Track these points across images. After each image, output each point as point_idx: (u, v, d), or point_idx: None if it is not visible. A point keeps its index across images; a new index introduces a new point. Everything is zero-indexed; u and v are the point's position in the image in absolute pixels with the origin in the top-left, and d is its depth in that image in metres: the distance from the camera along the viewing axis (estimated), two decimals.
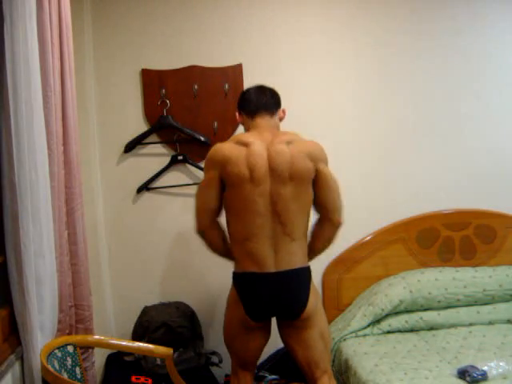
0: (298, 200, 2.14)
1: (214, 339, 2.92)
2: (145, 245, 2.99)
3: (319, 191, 2.18)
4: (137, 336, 2.81)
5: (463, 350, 2.58)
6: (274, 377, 2.82)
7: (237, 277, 2.24)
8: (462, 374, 2.26)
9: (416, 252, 3.09)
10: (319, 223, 2.25)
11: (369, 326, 2.85)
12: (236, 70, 2.95)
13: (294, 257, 2.16)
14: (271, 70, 2.97)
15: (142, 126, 2.93)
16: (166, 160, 2.94)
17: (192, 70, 2.92)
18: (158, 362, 2.60)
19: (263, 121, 2.27)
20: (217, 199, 2.20)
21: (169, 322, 2.73)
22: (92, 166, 2.85)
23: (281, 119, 2.34)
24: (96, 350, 2.39)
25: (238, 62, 2.95)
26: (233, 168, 2.12)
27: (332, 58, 3.03)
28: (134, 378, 2.54)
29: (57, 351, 2.00)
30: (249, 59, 2.95)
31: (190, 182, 2.95)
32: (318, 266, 2.93)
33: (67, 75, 2.13)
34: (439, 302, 2.86)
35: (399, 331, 2.84)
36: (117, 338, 2.72)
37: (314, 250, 2.29)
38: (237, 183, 2.13)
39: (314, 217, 2.26)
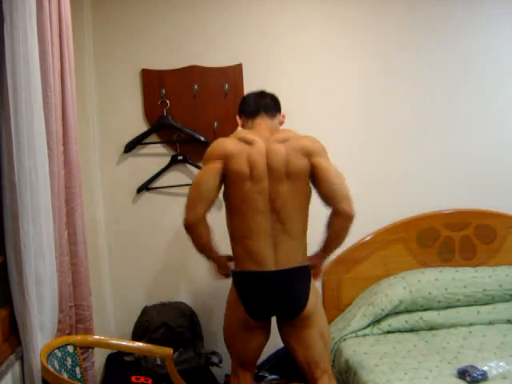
0: (296, 197, 2.15)
1: (214, 339, 2.92)
2: (145, 245, 2.99)
3: (319, 183, 2.16)
4: (137, 336, 2.81)
5: (463, 350, 2.58)
6: (273, 377, 2.82)
7: (237, 276, 2.24)
8: (462, 373, 2.26)
9: (416, 252, 3.09)
10: (329, 216, 2.17)
11: (369, 326, 2.85)
12: (236, 70, 2.95)
13: (293, 255, 2.17)
14: (271, 70, 2.97)
15: (141, 126, 2.93)
16: (166, 160, 2.94)
17: (192, 69, 2.92)
18: (158, 361, 2.60)
19: (263, 121, 2.28)
20: (216, 190, 2.18)
21: (169, 322, 2.73)
22: (92, 166, 2.85)
23: (281, 124, 2.36)
24: (96, 349, 2.39)
25: (237, 62, 2.95)
26: (235, 164, 2.14)
27: (332, 58, 3.03)
28: (134, 378, 2.54)
29: (57, 351, 2.00)
30: (249, 59, 2.95)
31: (190, 182, 2.94)
32: None
33: (67, 75, 2.13)
34: (439, 302, 2.86)
35: (399, 331, 2.84)
36: (117, 338, 2.72)
37: (327, 244, 2.22)
38: (237, 180, 2.14)
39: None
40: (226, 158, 2.15)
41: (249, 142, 2.17)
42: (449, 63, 3.09)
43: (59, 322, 2.06)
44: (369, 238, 3.07)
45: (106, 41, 2.88)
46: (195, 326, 2.88)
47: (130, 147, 2.91)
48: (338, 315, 3.02)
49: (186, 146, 2.94)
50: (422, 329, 2.85)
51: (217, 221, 2.44)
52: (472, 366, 2.27)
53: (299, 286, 2.18)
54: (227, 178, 2.16)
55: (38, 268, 1.88)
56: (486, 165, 3.14)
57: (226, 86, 2.93)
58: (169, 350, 2.28)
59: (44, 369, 1.85)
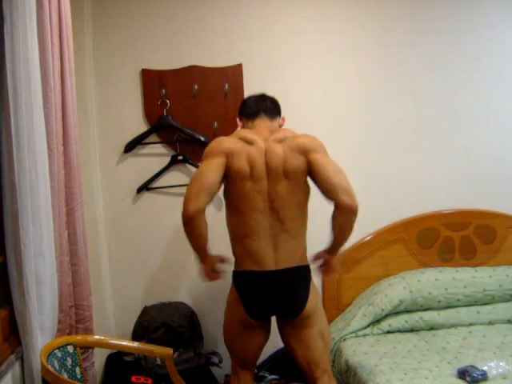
0: (295, 196, 2.15)
1: (214, 339, 2.92)
2: (145, 245, 2.99)
3: (318, 179, 2.13)
4: (137, 336, 2.82)
5: (463, 349, 2.58)
6: (273, 377, 2.82)
7: (237, 275, 2.25)
8: (462, 373, 2.26)
9: (416, 252, 3.09)
10: (333, 211, 2.12)
11: (369, 325, 2.85)
12: (236, 70, 2.95)
13: (293, 255, 2.17)
14: (271, 70, 2.98)
15: (142, 126, 2.93)
16: (166, 160, 2.94)
17: (192, 69, 2.92)
18: (158, 361, 2.61)
19: (263, 122, 2.29)
20: (219, 183, 2.15)
21: (169, 322, 2.74)
22: (92, 166, 2.85)
23: (280, 126, 2.36)
24: (96, 350, 2.39)
25: (238, 62, 2.95)
26: (236, 162, 2.14)
27: (332, 58, 3.03)
28: (134, 378, 2.54)
29: (57, 351, 2.00)
30: (249, 59, 2.95)
31: None
32: None
33: (67, 75, 2.13)
34: (439, 302, 2.86)
35: (399, 331, 2.84)
36: (117, 338, 2.72)
37: (333, 239, 2.16)
38: (238, 179, 2.14)
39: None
40: (229, 155, 2.15)
41: (249, 142, 2.17)
42: (449, 63, 3.09)
43: (59, 322, 2.06)
44: (369, 237, 3.07)
45: (106, 41, 2.88)
46: (195, 326, 2.88)
47: (130, 147, 2.91)
48: (338, 315, 3.02)
49: (186, 146, 2.94)
50: (421, 329, 2.85)
51: (217, 221, 2.44)
52: (472, 366, 2.27)
53: (299, 285, 2.18)
54: (228, 176, 2.16)
55: (37, 268, 1.88)
56: (486, 165, 3.13)
57: (226, 86, 2.93)
58: (169, 350, 2.28)
59: (44, 369, 1.85)
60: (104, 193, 2.94)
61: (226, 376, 2.83)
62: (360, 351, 2.64)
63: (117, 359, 2.74)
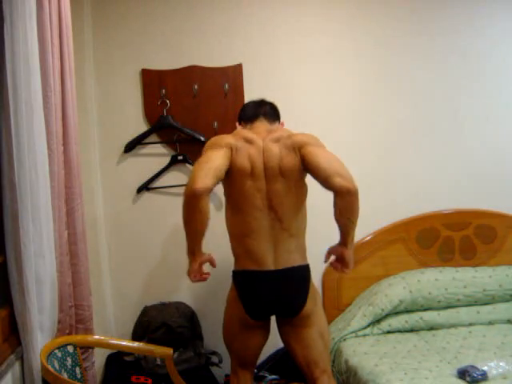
0: (292, 194, 2.16)
1: (214, 339, 2.92)
2: (145, 245, 2.99)
3: (311, 168, 2.09)
4: (137, 336, 2.82)
5: (463, 349, 2.58)
6: (273, 377, 2.82)
7: (236, 275, 2.25)
8: (462, 373, 2.26)
9: (416, 252, 3.09)
10: (333, 199, 2.02)
11: (369, 326, 2.85)
12: (236, 70, 2.95)
13: (293, 255, 2.17)
14: (271, 70, 2.98)
15: (141, 126, 2.93)
16: (166, 160, 2.94)
17: (192, 69, 2.92)
18: (158, 361, 2.61)
19: (262, 125, 2.29)
20: (224, 171, 2.10)
21: (169, 322, 2.73)
22: (92, 166, 2.85)
23: None
24: (96, 349, 2.40)
25: (238, 62, 2.95)
26: (238, 158, 2.14)
27: (332, 58, 3.03)
28: (134, 378, 2.54)
29: (57, 351, 2.00)
30: (249, 59, 2.95)
31: None
32: (318, 266, 2.92)
33: (67, 75, 2.13)
34: (439, 302, 2.86)
35: (399, 331, 2.84)
36: (117, 338, 2.72)
37: (341, 231, 2.08)
38: (239, 176, 2.14)
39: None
40: (233, 149, 2.15)
41: (249, 141, 2.18)
42: (449, 64, 3.09)
43: (59, 322, 2.06)
44: (369, 238, 3.07)
45: (106, 41, 2.88)
46: (195, 326, 2.88)
47: (130, 147, 2.92)
48: (338, 315, 3.02)
49: (186, 146, 2.94)
50: (422, 329, 2.85)
51: (217, 221, 2.44)
52: (472, 366, 2.27)
53: (298, 285, 2.19)
54: (230, 173, 2.15)
55: (37, 268, 1.88)
56: (486, 165, 3.13)
57: (226, 85, 2.93)
58: (169, 350, 2.28)
59: (44, 369, 1.85)
60: (104, 193, 2.94)
61: (226, 376, 2.83)
62: (360, 351, 2.64)
63: (117, 359, 2.73)
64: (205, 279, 2.16)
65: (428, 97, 3.09)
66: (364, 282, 3.04)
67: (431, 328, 2.85)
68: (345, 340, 2.78)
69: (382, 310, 2.81)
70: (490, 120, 3.13)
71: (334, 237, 2.14)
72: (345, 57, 3.04)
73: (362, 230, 2.99)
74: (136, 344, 2.47)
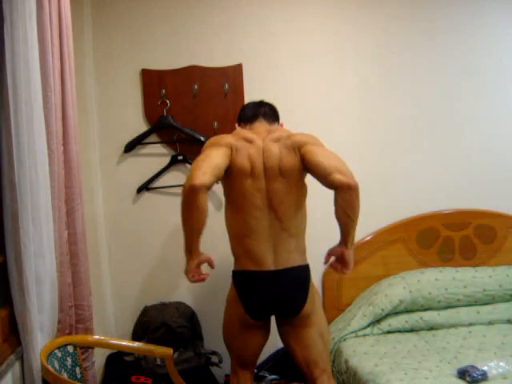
0: (291, 194, 2.16)
1: (214, 339, 2.91)
2: (145, 245, 2.99)
3: (311, 167, 2.09)
4: (137, 336, 2.82)
5: (463, 349, 2.58)
6: (273, 377, 2.82)
7: (236, 275, 2.25)
8: (462, 374, 2.26)
9: (416, 252, 3.09)
10: (334, 196, 2.00)
11: (369, 325, 2.85)
12: (236, 70, 2.95)
13: (292, 255, 2.17)
14: (271, 70, 2.98)
15: (141, 126, 2.93)
16: (166, 160, 2.94)
17: (192, 69, 2.92)
18: (158, 361, 2.61)
19: (261, 125, 2.30)
20: (224, 170, 2.10)
21: (169, 322, 2.73)
22: (92, 166, 2.85)
23: None
24: (96, 349, 2.40)
25: (237, 62, 2.95)
26: (238, 158, 2.14)
27: (332, 58, 3.03)
28: (134, 378, 2.54)
29: (57, 351, 2.00)
30: (249, 59, 2.95)
31: None
32: (318, 266, 2.92)
33: (67, 75, 2.13)
34: (439, 302, 2.86)
35: (399, 331, 2.84)
36: (117, 338, 2.72)
37: (341, 229, 2.06)
38: (239, 176, 2.14)
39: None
40: (233, 149, 2.15)
41: (248, 141, 2.18)
42: (449, 64, 3.09)
43: (59, 321, 2.06)
44: (369, 237, 3.07)
45: (106, 41, 2.88)
46: (195, 326, 2.88)
47: (130, 147, 2.92)
48: (338, 315, 3.02)
49: (186, 146, 2.94)
50: (422, 329, 2.85)
51: (216, 221, 2.44)
52: (472, 366, 2.27)
53: (299, 285, 2.19)
54: (229, 172, 2.15)
55: (37, 268, 1.88)
56: (486, 165, 3.13)
57: (226, 85, 2.93)
58: (169, 350, 2.29)
59: (44, 369, 1.85)
60: (104, 193, 2.94)
61: (226, 376, 2.83)
62: (360, 351, 2.64)
63: (117, 359, 2.73)
64: (203, 280, 2.14)
65: (428, 96, 3.09)
66: (364, 282, 3.04)
67: (431, 328, 2.85)
68: (345, 340, 2.78)
69: (382, 309, 2.81)
70: (489, 120, 3.13)
71: (334, 237, 2.13)
72: (345, 56, 3.04)
73: (362, 230, 2.98)
74: (136, 344, 2.47)
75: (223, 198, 2.31)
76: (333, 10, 3.01)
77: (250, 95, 2.78)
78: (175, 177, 2.96)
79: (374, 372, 2.40)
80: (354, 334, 2.80)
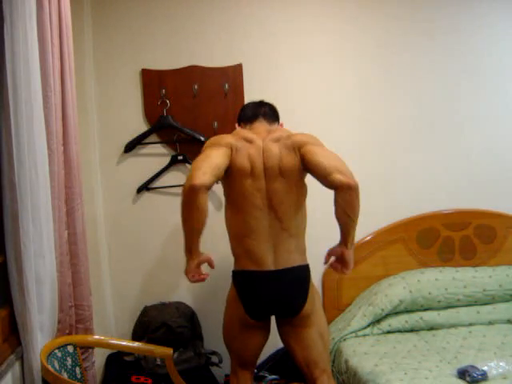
0: (291, 194, 2.16)
1: (214, 339, 2.91)
2: (145, 245, 2.99)
3: (311, 167, 2.09)
4: (137, 336, 2.82)
5: (463, 349, 2.58)
6: (273, 377, 2.82)
7: (236, 275, 2.25)
8: (462, 374, 2.26)
9: (416, 252, 3.09)
10: (334, 196, 2.01)
11: (369, 325, 2.85)
12: (236, 70, 2.95)
13: (292, 255, 2.17)
14: (271, 70, 2.98)
15: (141, 126, 2.93)
16: (166, 160, 2.94)
17: (192, 69, 2.92)
18: (158, 361, 2.61)
19: (261, 125, 2.30)
20: (224, 170, 2.10)
21: (169, 322, 2.73)
22: (92, 166, 2.85)
23: None
24: (96, 349, 2.40)
25: (237, 62, 2.95)
26: (238, 158, 2.14)
27: (332, 58, 3.03)
28: (134, 378, 2.54)
29: (57, 351, 2.00)
30: (249, 59, 2.95)
31: None
32: (318, 266, 2.92)
33: (67, 75, 2.13)
34: (439, 302, 2.86)
35: (399, 331, 2.84)
36: (117, 338, 2.72)
37: (341, 229, 2.06)
38: (238, 176, 2.14)
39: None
40: (233, 149, 2.15)
41: (249, 141, 2.18)
42: (449, 64, 3.09)
43: (59, 321, 2.06)
44: (369, 237, 3.07)
45: (106, 41, 2.88)
46: (195, 326, 2.88)
47: (130, 147, 2.92)
48: (338, 315, 3.02)
49: (186, 146, 2.94)
50: (422, 329, 2.85)
51: (216, 221, 2.44)
52: (472, 366, 2.27)
53: (299, 285, 2.18)
54: (229, 173, 2.15)
55: (37, 268, 1.88)
56: (486, 165, 3.13)
57: (226, 85, 2.93)
58: (169, 350, 2.29)
59: (44, 369, 1.85)
60: (104, 193, 2.94)
61: (226, 376, 2.83)
62: (360, 351, 2.64)
63: (117, 359, 2.73)
64: (203, 280, 2.13)
65: (428, 96, 3.09)
66: (364, 282, 3.04)
67: (431, 328, 2.85)
68: (345, 340, 2.78)
69: (382, 309, 2.81)
70: (489, 120, 3.13)
71: (334, 237, 2.13)
72: (345, 56, 3.04)
73: (362, 230, 2.98)
74: (136, 344, 2.47)
75: (223, 198, 2.31)
76: (333, 10, 3.01)
77: (250, 95, 2.78)
78: (175, 177, 2.96)
79: (373, 372, 2.40)
80: (354, 334, 2.80)
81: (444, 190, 3.12)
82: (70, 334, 2.17)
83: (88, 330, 2.28)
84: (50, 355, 1.93)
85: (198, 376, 2.63)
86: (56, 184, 2.01)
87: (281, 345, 2.46)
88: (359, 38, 3.03)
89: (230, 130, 2.69)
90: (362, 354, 2.61)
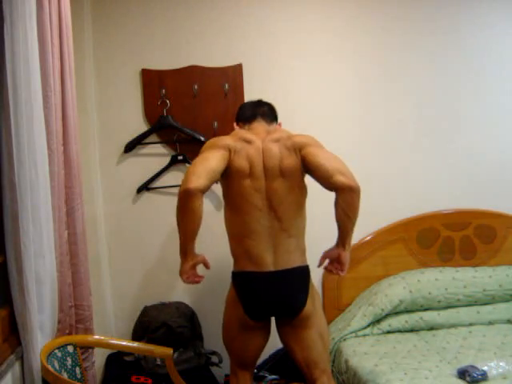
0: (291, 194, 2.16)
1: (214, 339, 2.91)
2: (145, 245, 2.99)
3: (312, 168, 2.11)
4: (137, 336, 2.82)
5: (463, 349, 2.58)
6: (273, 377, 2.82)
7: (236, 276, 2.24)
8: (462, 374, 2.26)
9: (416, 252, 3.09)
10: (335, 198, 2.03)
11: (369, 325, 2.85)
12: (236, 70, 2.95)
13: (292, 256, 2.17)
14: (271, 70, 2.98)
15: (142, 126, 2.93)
16: (166, 160, 2.94)
17: (192, 69, 2.92)
18: (158, 361, 2.61)
19: (260, 125, 2.30)
20: (220, 173, 2.10)
21: (169, 322, 2.73)
22: (92, 166, 2.85)
23: None
24: (96, 349, 2.40)
25: (237, 62, 2.95)
26: (237, 159, 2.14)
27: (332, 58, 3.03)
28: (134, 378, 2.54)
29: (57, 351, 2.00)
30: (249, 59, 2.95)
31: None
32: None
33: (67, 75, 2.13)
34: (439, 302, 2.86)
35: (399, 331, 2.84)
36: (117, 338, 2.72)
37: (340, 231, 2.08)
38: (237, 177, 2.14)
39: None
40: (231, 151, 2.15)
41: (248, 141, 2.18)
42: (449, 63, 3.09)
43: (59, 321, 2.06)
44: (369, 237, 3.07)
45: (106, 41, 2.88)
46: (195, 326, 2.88)
47: (130, 147, 2.91)
48: (338, 315, 3.02)
49: (186, 146, 2.94)
50: (422, 329, 2.85)
51: (216, 221, 2.44)
52: (472, 366, 2.27)
53: (298, 286, 2.18)
54: (228, 174, 2.15)
55: (37, 268, 1.88)
56: (486, 165, 3.13)
57: (226, 85, 2.93)
58: (169, 350, 2.28)
59: (44, 369, 1.85)
60: (104, 193, 2.94)
61: (226, 376, 2.83)
62: (360, 351, 2.64)
63: (117, 359, 2.73)
64: (198, 282, 2.13)
65: (428, 96, 3.09)
66: (364, 282, 3.04)
67: (431, 328, 2.85)
68: (345, 340, 2.78)
69: (382, 309, 2.81)
70: (489, 120, 3.13)
71: (334, 237, 2.14)
72: (345, 57, 3.04)
73: (362, 230, 2.99)
74: (136, 344, 2.47)
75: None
76: (333, 10, 3.01)
77: (250, 95, 2.78)
78: (175, 177, 2.96)
79: (373, 372, 2.40)
80: (353, 334, 2.80)
81: (444, 190, 3.12)
82: (70, 334, 2.17)
83: (88, 330, 2.28)
84: (50, 355, 1.93)
85: (197, 376, 2.63)
86: (56, 184, 2.01)
87: (280, 345, 2.46)
88: (359, 38, 3.03)
89: (230, 129, 2.69)
90: (362, 353, 2.61)
